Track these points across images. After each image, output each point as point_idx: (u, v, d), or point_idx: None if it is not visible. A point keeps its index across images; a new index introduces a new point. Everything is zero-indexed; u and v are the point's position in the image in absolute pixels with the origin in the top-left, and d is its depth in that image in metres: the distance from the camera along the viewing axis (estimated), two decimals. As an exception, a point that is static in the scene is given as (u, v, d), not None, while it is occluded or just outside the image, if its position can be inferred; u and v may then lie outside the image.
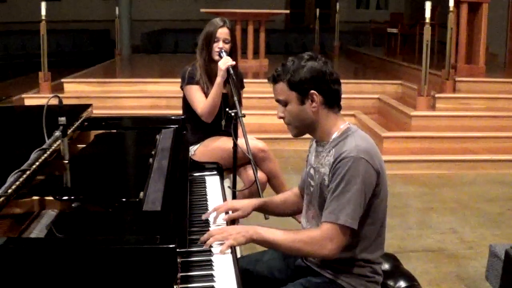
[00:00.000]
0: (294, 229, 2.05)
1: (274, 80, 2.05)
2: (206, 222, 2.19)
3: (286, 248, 1.99)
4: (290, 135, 2.17)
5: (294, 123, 2.06)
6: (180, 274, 1.55)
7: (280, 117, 2.09)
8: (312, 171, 2.12)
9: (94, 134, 2.73)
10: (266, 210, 2.37)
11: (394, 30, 10.61)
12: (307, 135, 2.13)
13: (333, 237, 1.92)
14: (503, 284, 2.64)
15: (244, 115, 2.98)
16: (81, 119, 2.71)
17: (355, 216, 1.92)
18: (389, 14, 13.11)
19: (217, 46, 3.40)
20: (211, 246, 1.93)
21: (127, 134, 2.94)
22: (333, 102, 2.04)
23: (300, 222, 2.26)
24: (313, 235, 1.95)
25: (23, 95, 7.53)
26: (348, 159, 1.93)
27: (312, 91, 1.99)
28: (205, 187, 2.59)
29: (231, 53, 3.42)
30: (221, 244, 1.93)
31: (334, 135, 2.04)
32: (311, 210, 2.13)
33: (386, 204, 2.07)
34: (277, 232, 1.98)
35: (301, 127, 2.07)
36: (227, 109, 2.99)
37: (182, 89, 3.51)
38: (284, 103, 2.05)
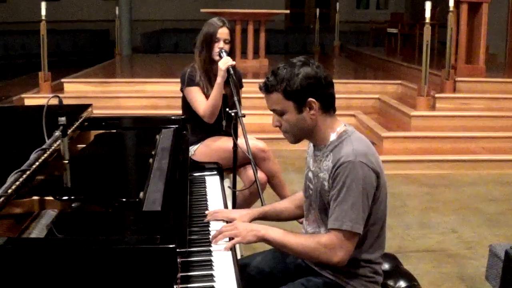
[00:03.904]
0: (304, 234, 2.04)
1: (267, 90, 2.00)
2: (206, 222, 2.19)
3: (296, 253, 2.00)
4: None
5: (292, 132, 2.04)
6: (180, 274, 1.55)
7: (276, 126, 2.07)
8: (310, 174, 2.11)
9: (94, 134, 2.73)
10: (267, 218, 2.36)
11: (394, 30, 10.61)
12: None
13: (341, 245, 1.92)
14: (503, 284, 2.64)
15: (244, 115, 2.98)
16: (81, 119, 2.71)
17: (359, 221, 1.92)
18: (389, 14, 13.12)
19: (218, 46, 3.40)
20: (210, 244, 1.94)
21: (127, 134, 2.94)
22: (329, 106, 2.02)
23: (300, 222, 2.26)
24: (323, 243, 1.94)
25: (23, 95, 7.53)
26: (347, 164, 1.92)
27: (310, 99, 1.96)
28: (205, 187, 2.59)
29: (230, 53, 3.42)
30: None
31: (331, 139, 2.03)
32: (311, 213, 2.13)
33: (386, 205, 2.06)
34: (288, 236, 1.98)
35: (300, 135, 2.05)
36: (227, 109, 2.99)
37: (182, 91, 3.50)
38: (281, 113, 2.01)
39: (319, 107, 1.99)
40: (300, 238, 1.99)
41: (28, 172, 1.80)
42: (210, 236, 2.01)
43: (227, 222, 2.20)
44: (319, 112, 2.00)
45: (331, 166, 1.97)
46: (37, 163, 1.90)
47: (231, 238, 1.99)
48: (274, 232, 1.99)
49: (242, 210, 2.37)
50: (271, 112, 2.08)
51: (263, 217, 2.33)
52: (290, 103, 1.98)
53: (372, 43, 12.50)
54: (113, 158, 2.48)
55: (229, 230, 1.98)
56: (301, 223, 2.26)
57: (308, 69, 1.96)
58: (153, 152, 2.38)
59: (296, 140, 2.07)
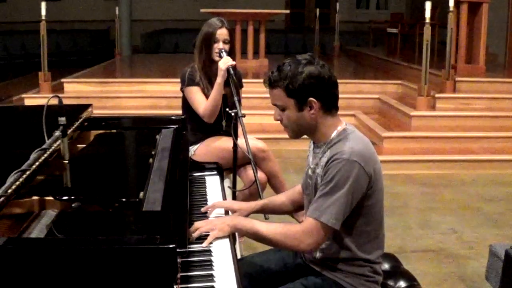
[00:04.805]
0: (277, 222, 2.06)
1: (271, 85, 2.02)
2: (206, 217, 2.19)
3: (267, 240, 2.01)
4: (290, 135, 2.17)
5: (291, 127, 2.06)
6: (180, 274, 1.55)
7: (277, 120, 2.08)
8: (310, 171, 2.12)
9: (94, 134, 2.73)
10: (265, 211, 2.38)
11: (394, 30, 10.60)
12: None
13: (312, 233, 1.94)
14: (503, 284, 2.64)
15: (244, 115, 2.98)
16: (81, 119, 2.71)
17: (339, 217, 1.93)
18: (389, 14, 13.11)
19: (217, 47, 3.40)
20: (210, 243, 1.95)
21: (127, 134, 2.94)
22: (330, 106, 2.03)
23: (300, 222, 2.26)
24: (294, 229, 1.97)
25: (23, 95, 7.53)
26: (340, 160, 1.93)
27: (310, 99, 1.97)
28: (205, 187, 2.59)
29: (230, 53, 3.42)
30: (221, 241, 1.95)
31: (331, 137, 2.04)
32: (311, 211, 2.13)
33: (382, 205, 2.07)
34: (260, 224, 2.02)
35: (299, 131, 2.07)
36: (227, 109, 2.99)
37: (182, 91, 3.50)
38: (282, 108, 2.03)
39: (320, 107, 2.00)
40: (271, 226, 2.01)
41: (28, 172, 1.80)
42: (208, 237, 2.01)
43: (227, 213, 2.23)
44: (319, 112, 2.00)
45: (325, 161, 1.98)
46: (37, 163, 1.90)
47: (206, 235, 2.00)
48: (246, 221, 2.04)
49: (242, 202, 2.40)
50: (271, 113, 2.10)
51: (262, 210, 2.36)
52: (291, 100, 1.99)
53: (372, 43, 12.49)
54: (113, 158, 2.48)
55: (204, 226, 2.01)
56: (300, 222, 2.27)
57: (312, 68, 1.97)
58: (153, 152, 2.38)
59: (295, 135, 2.09)
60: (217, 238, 1.98)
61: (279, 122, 2.08)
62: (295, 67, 1.97)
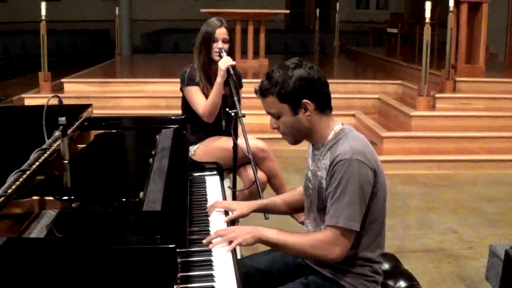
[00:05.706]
0: (301, 232, 2.05)
1: (262, 94, 2.02)
2: (206, 222, 2.20)
3: (292, 251, 2.01)
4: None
5: (290, 133, 2.06)
6: (180, 274, 1.55)
7: (274, 128, 2.08)
8: (310, 174, 2.12)
9: (94, 134, 2.73)
10: (266, 211, 2.38)
11: (394, 30, 10.60)
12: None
13: (337, 241, 1.94)
14: (503, 284, 2.64)
15: (244, 115, 2.98)
16: (81, 119, 2.71)
17: (356, 218, 1.93)
18: (389, 14, 13.11)
19: (217, 46, 3.40)
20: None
21: (127, 134, 2.94)
22: (324, 106, 2.03)
23: (300, 222, 2.26)
24: (320, 239, 1.96)
25: (23, 95, 7.53)
26: (343, 161, 1.93)
27: (304, 101, 1.98)
28: (205, 187, 2.59)
29: (230, 53, 3.42)
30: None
31: (328, 138, 2.04)
32: (312, 212, 2.13)
33: (384, 203, 2.07)
34: (285, 235, 1.99)
35: (297, 136, 2.07)
36: (227, 109, 2.99)
37: (182, 91, 3.51)
38: (277, 116, 2.03)
39: (314, 108, 2.00)
40: (297, 237, 2.00)
41: (28, 172, 1.80)
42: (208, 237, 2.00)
43: (226, 213, 2.23)
44: (314, 113, 2.01)
45: (328, 164, 1.99)
46: (37, 163, 1.90)
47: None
48: (271, 232, 2.00)
49: (241, 202, 2.40)
50: (269, 113, 2.09)
51: (262, 210, 2.36)
52: (285, 105, 1.99)
53: (372, 43, 12.49)
54: (113, 158, 2.48)
55: (227, 234, 1.98)
56: (302, 223, 2.27)
57: (301, 71, 1.97)
58: (153, 152, 2.38)
59: (295, 141, 2.09)
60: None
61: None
62: (284, 73, 1.98)
